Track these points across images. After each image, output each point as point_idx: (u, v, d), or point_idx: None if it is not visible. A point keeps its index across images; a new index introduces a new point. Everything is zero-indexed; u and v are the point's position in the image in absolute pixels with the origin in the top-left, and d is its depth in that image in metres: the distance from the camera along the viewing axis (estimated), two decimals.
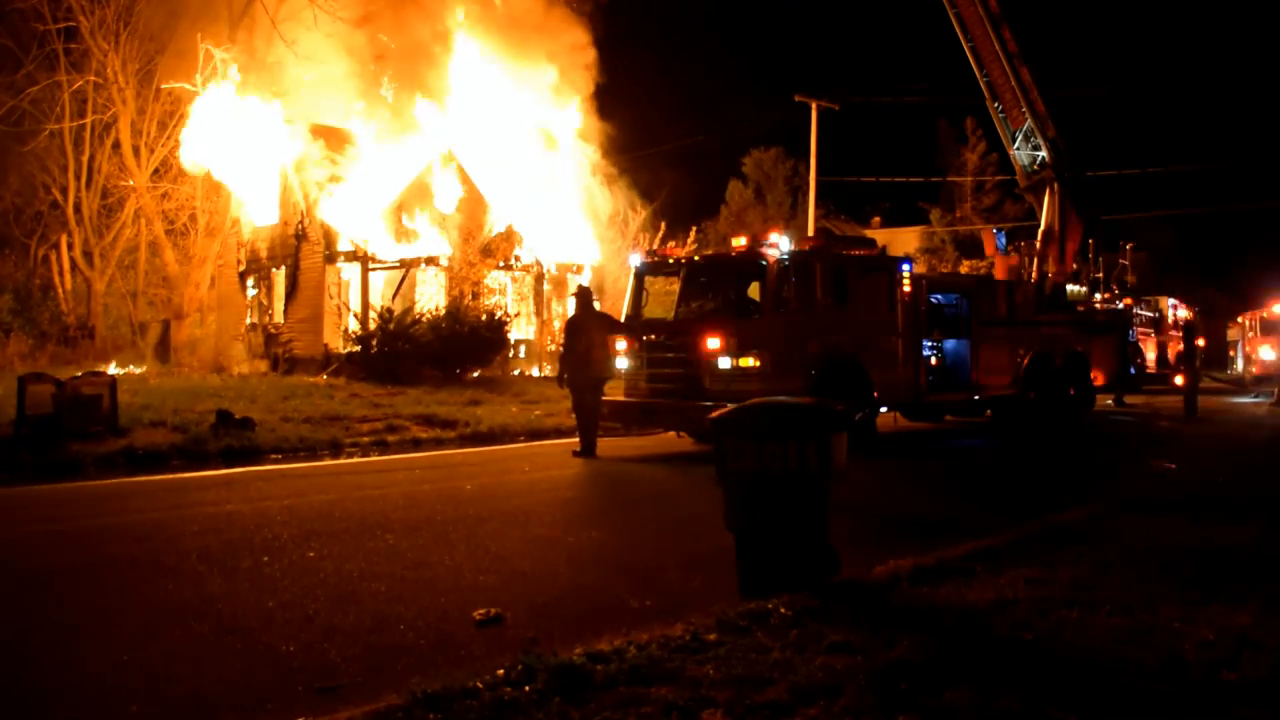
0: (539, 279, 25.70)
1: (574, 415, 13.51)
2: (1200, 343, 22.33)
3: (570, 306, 24.17)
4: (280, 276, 25.22)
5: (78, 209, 27.35)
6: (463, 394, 18.63)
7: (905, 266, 14.58)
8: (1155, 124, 56.36)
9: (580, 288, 14.63)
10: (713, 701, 4.08)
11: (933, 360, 15.32)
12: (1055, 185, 19.82)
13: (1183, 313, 22.73)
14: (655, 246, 25.65)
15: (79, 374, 14.14)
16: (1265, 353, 33.71)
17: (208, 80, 23.98)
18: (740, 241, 13.69)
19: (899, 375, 14.17)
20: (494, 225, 24.83)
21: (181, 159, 24.48)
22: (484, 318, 22.11)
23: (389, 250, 23.43)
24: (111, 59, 25.43)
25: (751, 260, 13.04)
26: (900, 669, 4.38)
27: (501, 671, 4.38)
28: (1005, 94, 20.09)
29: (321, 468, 12.28)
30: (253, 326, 25.76)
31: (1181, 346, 21.18)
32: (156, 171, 27.28)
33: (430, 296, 23.53)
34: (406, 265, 23.52)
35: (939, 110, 46.02)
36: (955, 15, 20.19)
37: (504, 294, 25.23)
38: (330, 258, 23.64)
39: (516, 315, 24.75)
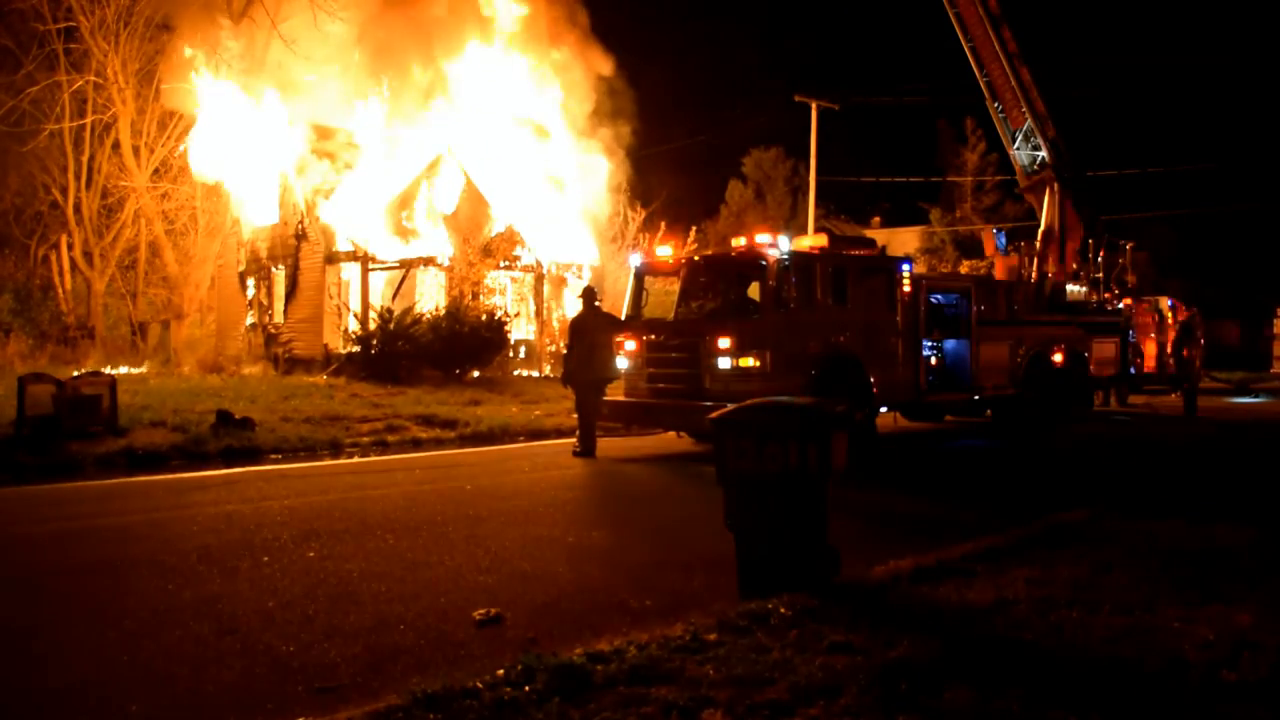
0: (539, 279, 25.69)
1: (575, 415, 13.53)
2: (1200, 342, 22.25)
3: (570, 307, 24.22)
4: (280, 276, 25.21)
5: (78, 209, 27.35)
6: (463, 394, 18.64)
7: (905, 266, 14.58)
8: (1156, 124, 56.31)
9: (586, 288, 14.64)
10: (713, 701, 4.08)
11: (933, 360, 15.30)
12: (1055, 185, 19.79)
13: (1183, 313, 22.67)
14: (655, 246, 25.64)
15: (79, 374, 14.15)
16: None
17: (208, 80, 23.99)
18: (740, 241, 13.69)
19: (899, 375, 14.16)
20: (494, 225, 24.83)
21: (189, 160, 24.53)
22: (484, 318, 22.10)
23: (389, 250, 23.43)
24: (111, 59, 25.43)
25: (751, 260, 13.04)
26: (900, 669, 4.38)
27: (501, 671, 4.39)
28: (1005, 94, 20.06)
29: (321, 468, 12.27)
30: (253, 326, 25.75)
31: (1184, 346, 21.16)
32: (156, 171, 27.30)
33: (430, 297, 23.52)
34: (406, 265, 23.52)
35: (939, 110, 46.13)
36: (955, 15, 20.16)
37: (504, 294, 25.22)
38: (330, 258, 23.63)
39: (516, 315, 24.75)
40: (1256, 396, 26.25)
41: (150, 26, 25.96)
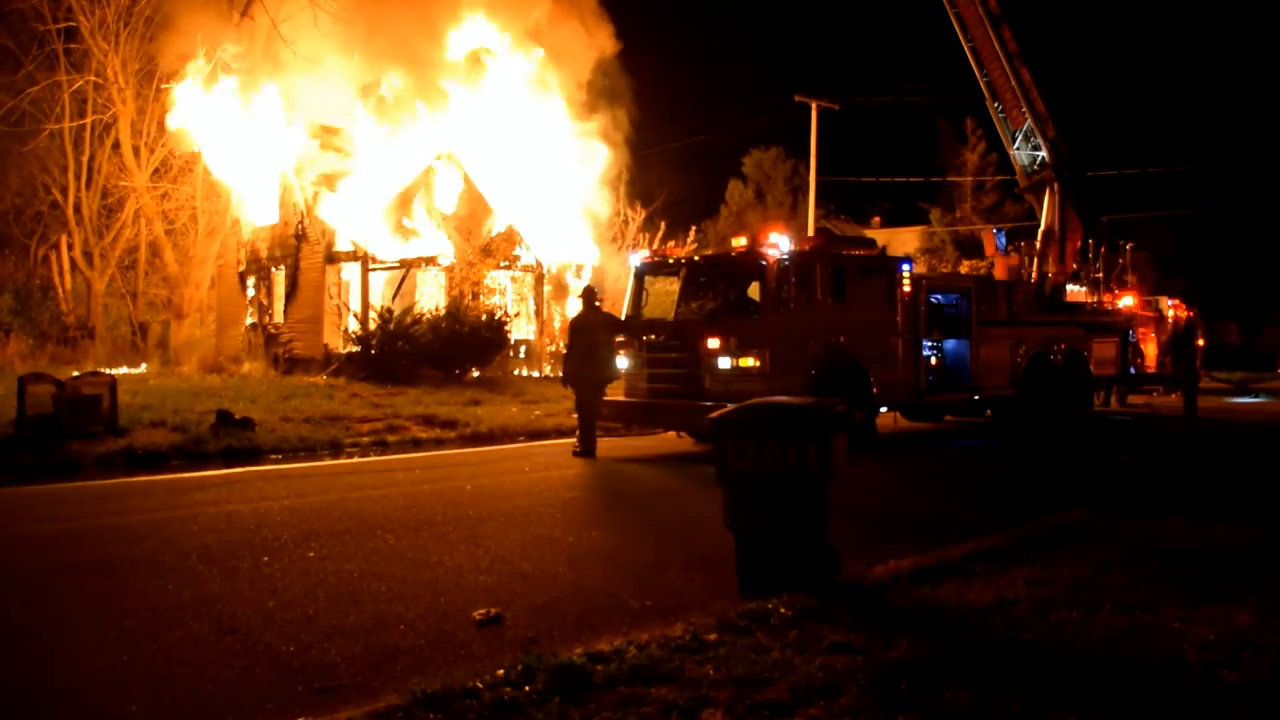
0: (539, 279, 25.70)
1: (575, 415, 13.53)
2: (1200, 343, 22.25)
3: (570, 307, 24.22)
4: (280, 276, 25.22)
5: (78, 209, 27.36)
6: (463, 394, 18.63)
7: (905, 266, 14.58)
8: (1156, 124, 56.29)
9: (586, 288, 14.64)
10: (713, 701, 4.08)
11: (933, 360, 15.30)
12: (1055, 185, 19.77)
13: (1183, 313, 22.67)
14: (655, 246, 25.65)
15: (79, 374, 14.15)
16: None
17: (208, 80, 23.99)
18: (740, 241, 13.68)
19: (899, 375, 14.16)
20: (494, 225, 24.84)
21: (185, 149, 24.57)
22: (484, 318, 22.10)
23: (389, 250, 23.43)
24: (111, 59, 25.44)
25: (751, 260, 13.03)
26: (900, 669, 4.38)
27: (501, 671, 4.39)
28: (1005, 94, 20.05)
29: (321, 468, 12.27)
30: (253, 326, 25.75)
31: (1184, 346, 21.17)
32: (156, 171, 27.31)
33: (430, 296, 23.53)
34: (406, 265, 23.53)
35: (939, 110, 46.11)
36: (955, 15, 20.15)
37: (504, 294, 25.23)
38: (330, 258, 23.64)
39: (516, 315, 24.74)
40: (1256, 397, 26.25)
41: (150, 26, 25.98)
